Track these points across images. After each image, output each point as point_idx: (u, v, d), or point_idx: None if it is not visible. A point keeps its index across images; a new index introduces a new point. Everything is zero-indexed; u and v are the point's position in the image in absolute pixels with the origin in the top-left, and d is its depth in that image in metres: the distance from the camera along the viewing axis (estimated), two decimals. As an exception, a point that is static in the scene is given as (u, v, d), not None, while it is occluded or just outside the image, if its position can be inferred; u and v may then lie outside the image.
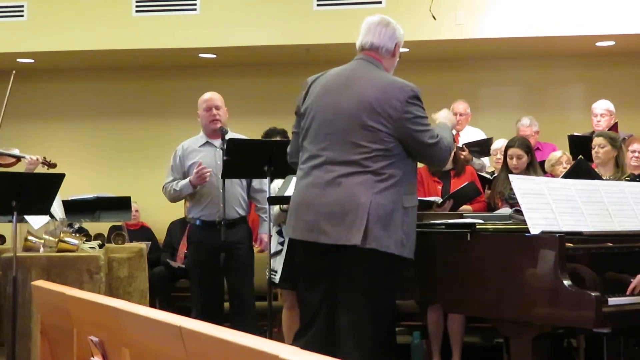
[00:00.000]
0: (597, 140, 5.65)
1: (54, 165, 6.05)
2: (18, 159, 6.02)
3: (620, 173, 5.54)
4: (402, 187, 3.60)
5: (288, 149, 3.96)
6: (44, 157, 5.97)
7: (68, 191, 6.35)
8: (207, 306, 5.16)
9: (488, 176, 6.39)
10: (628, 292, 3.48)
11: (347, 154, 3.57)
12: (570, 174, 5.29)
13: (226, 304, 5.36)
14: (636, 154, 5.70)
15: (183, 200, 8.16)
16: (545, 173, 6.08)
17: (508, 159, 5.80)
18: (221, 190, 5.05)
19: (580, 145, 6.08)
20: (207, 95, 5.34)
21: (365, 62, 3.76)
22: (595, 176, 5.20)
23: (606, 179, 5.29)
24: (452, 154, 3.94)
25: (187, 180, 5.19)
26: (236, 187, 5.22)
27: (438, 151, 3.69)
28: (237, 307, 5.22)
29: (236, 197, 5.22)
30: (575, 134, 6.67)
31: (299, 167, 3.76)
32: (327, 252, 3.59)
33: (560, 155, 6.23)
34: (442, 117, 4.04)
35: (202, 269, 5.10)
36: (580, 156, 5.65)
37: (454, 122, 4.11)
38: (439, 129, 3.83)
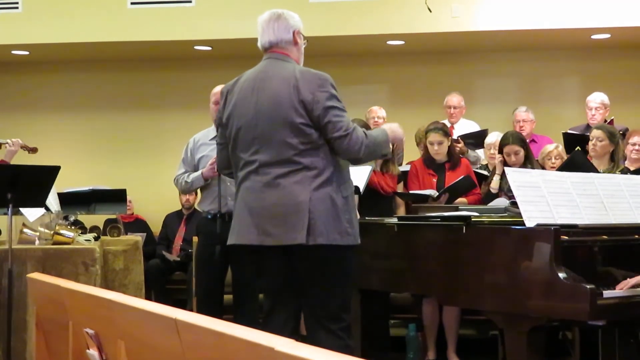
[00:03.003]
0: (595, 133, 5.65)
1: (34, 150, 6.07)
2: None
3: (615, 167, 5.54)
4: (338, 177, 3.65)
5: (217, 162, 4.03)
6: (24, 143, 6.01)
7: (63, 183, 6.33)
8: (208, 297, 5.17)
9: (486, 173, 6.36)
10: (624, 287, 3.49)
11: (278, 154, 3.61)
12: (566, 166, 5.29)
13: (229, 296, 5.36)
14: (636, 147, 5.70)
15: (178, 193, 8.22)
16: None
17: (505, 157, 5.77)
18: (228, 184, 5.08)
19: (574, 143, 6.08)
20: (217, 88, 5.32)
21: (273, 60, 3.78)
22: (591, 168, 5.20)
23: (601, 172, 5.29)
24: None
25: (199, 172, 5.21)
26: None
27: (346, 145, 3.60)
28: (239, 299, 5.23)
29: None
30: (570, 130, 6.67)
31: (235, 174, 3.81)
32: (274, 253, 3.65)
33: (551, 149, 6.22)
34: (386, 127, 3.96)
35: (207, 260, 5.10)
36: (578, 147, 5.65)
37: (398, 135, 3.96)
38: (375, 130, 3.85)
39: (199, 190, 5.43)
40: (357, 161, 3.73)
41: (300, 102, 3.59)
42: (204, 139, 5.31)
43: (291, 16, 3.89)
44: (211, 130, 5.31)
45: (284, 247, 3.60)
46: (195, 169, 5.28)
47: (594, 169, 5.21)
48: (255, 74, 3.80)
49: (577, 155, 5.48)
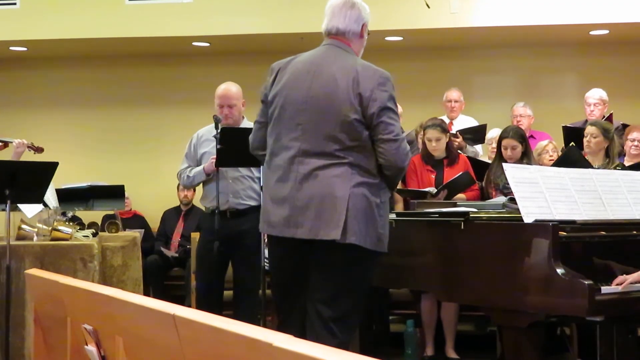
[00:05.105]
0: (589, 130, 5.65)
1: (40, 150, 6.05)
2: (5, 143, 6.02)
3: (610, 163, 5.54)
4: (379, 182, 3.53)
5: (251, 139, 3.81)
6: (31, 142, 5.97)
7: (61, 180, 6.34)
8: (207, 293, 5.18)
9: (488, 161, 6.34)
10: (621, 287, 3.49)
11: (321, 146, 3.47)
12: (561, 161, 5.28)
13: (229, 292, 5.37)
14: (635, 143, 5.69)
15: (176, 189, 8.23)
16: (536, 162, 6.07)
17: (502, 150, 5.76)
18: (230, 181, 5.09)
19: (574, 136, 6.08)
20: (222, 90, 5.28)
21: (334, 48, 3.64)
22: (586, 164, 5.20)
23: (596, 168, 5.29)
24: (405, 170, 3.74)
25: (200, 167, 5.22)
26: (245, 178, 5.21)
27: (394, 149, 3.48)
28: (239, 295, 5.24)
29: (244, 189, 5.21)
30: (569, 124, 6.67)
31: (268, 157, 3.65)
32: (303, 246, 3.51)
33: (546, 144, 6.22)
34: None
35: (207, 255, 5.11)
36: (572, 143, 5.65)
37: None
38: None
39: (200, 187, 5.43)
40: (398, 171, 3.57)
41: (357, 96, 3.45)
42: (208, 135, 5.31)
43: (364, 7, 3.71)
44: (214, 127, 5.31)
45: (309, 241, 3.47)
46: (198, 164, 5.30)
47: (588, 165, 5.20)
48: (312, 58, 3.63)
49: (571, 151, 5.47)
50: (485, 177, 5.98)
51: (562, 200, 3.71)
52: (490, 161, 6.43)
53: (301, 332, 3.52)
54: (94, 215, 7.72)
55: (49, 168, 5.18)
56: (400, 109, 7.29)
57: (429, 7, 7.41)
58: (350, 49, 3.65)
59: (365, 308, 4.76)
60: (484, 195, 5.88)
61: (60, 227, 5.59)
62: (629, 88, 8.50)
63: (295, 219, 3.48)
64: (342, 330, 3.53)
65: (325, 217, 3.42)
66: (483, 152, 7.31)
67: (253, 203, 5.20)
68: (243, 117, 5.34)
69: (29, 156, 6.17)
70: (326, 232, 3.42)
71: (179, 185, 7.89)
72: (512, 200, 3.88)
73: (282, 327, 3.70)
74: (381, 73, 3.54)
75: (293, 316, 3.67)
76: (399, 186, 6.20)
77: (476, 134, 6.93)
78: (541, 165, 5.77)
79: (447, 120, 7.01)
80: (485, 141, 6.87)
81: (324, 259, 3.50)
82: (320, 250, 3.49)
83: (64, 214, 6.03)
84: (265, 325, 5.17)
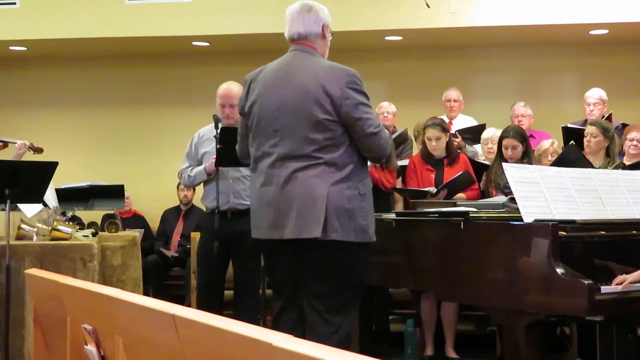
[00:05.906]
0: (589, 129, 5.64)
1: (40, 150, 6.06)
2: (5, 144, 6.03)
3: (610, 163, 5.53)
4: (357, 175, 3.63)
5: (237, 150, 3.98)
6: (31, 143, 5.98)
7: (61, 179, 6.33)
8: (208, 293, 5.18)
9: (487, 163, 6.34)
10: (621, 287, 3.49)
11: (299, 149, 3.58)
12: (560, 160, 5.28)
13: (230, 292, 5.37)
14: (634, 142, 5.69)
15: (176, 189, 8.23)
16: (536, 162, 6.06)
17: (503, 149, 5.76)
18: (231, 181, 5.08)
19: (574, 136, 6.07)
20: (223, 90, 5.27)
21: (300, 52, 3.75)
22: (585, 163, 5.19)
23: (596, 168, 5.28)
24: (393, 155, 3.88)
25: (201, 167, 5.22)
26: (246, 178, 5.20)
27: (377, 142, 3.63)
28: (239, 295, 5.24)
29: (245, 189, 5.20)
30: (569, 124, 6.67)
31: (252, 163, 3.78)
32: (291, 247, 3.62)
33: (547, 146, 6.21)
34: None
35: (207, 255, 5.11)
36: (572, 142, 5.64)
37: None
38: None
39: (201, 186, 5.43)
40: (379, 160, 3.73)
41: (328, 97, 3.55)
42: (209, 134, 5.30)
43: (321, 9, 3.85)
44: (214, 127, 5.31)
45: (296, 241, 3.58)
46: (199, 164, 5.29)
47: (588, 164, 5.20)
48: (280, 65, 3.75)
49: (570, 150, 5.46)
50: (485, 177, 5.98)
51: (562, 200, 3.71)
52: (486, 161, 6.45)
53: (295, 330, 3.59)
54: (93, 215, 7.72)
55: (49, 168, 5.18)
56: (394, 108, 7.35)
57: (428, 6, 7.41)
58: (316, 52, 3.77)
59: (366, 308, 4.79)
60: (484, 196, 5.88)
61: (60, 227, 5.59)
62: (629, 88, 8.50)
63: (280, 220, 3.60)
64: (338, 321, 3.60)
65: (307, 217, 3.54)
66: (482, 151, 7.31)
67: None
68: None
69: (29, 156, 6.18)
70: (309, 231, 3.53)
71: (178, 184, 7.90)
72: (512, 200, 3.88)
73: (274, 324, 3.80)
74: (348, 71, 3.64)
75: (287, 314, 3.76)
76: (399, 186, 6.20)
77: (475, 134, 6.92)
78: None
79: (446, 120, 7.00)
80: (481, 141, 6.86)
81: (312, 257, 3.60)
82: (307, 250, 3.59)
83: (63, 213, 6.03)
84: (265, 325, 5.17)
